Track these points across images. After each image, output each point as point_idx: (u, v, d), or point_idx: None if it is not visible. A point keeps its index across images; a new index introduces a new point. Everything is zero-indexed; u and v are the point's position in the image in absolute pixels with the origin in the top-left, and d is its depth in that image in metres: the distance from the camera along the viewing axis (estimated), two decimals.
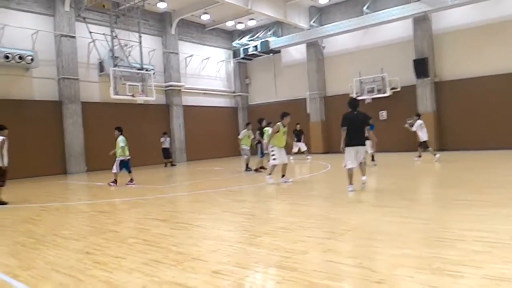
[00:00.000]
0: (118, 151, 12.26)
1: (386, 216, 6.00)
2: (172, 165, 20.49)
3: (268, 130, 13.48)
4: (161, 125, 22.64)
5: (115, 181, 12.16)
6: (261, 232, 5.39)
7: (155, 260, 4.29)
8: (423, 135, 14.75)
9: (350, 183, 8.58)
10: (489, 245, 4.18)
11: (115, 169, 12.22)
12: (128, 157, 12.43)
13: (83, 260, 4.46)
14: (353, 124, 8.83)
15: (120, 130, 12.53)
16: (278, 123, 10.82)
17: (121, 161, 12.25)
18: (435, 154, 14.45)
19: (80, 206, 8.97)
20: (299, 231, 5.30)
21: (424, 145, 14.79)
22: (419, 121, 14.84)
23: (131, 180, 12.43)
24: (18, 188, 13.15)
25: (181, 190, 11.38)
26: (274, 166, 10.92)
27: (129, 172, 12.50)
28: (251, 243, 4.87)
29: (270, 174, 10.90)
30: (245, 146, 14.95)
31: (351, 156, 8.69)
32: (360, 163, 8.93)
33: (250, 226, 5.92)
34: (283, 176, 10.86)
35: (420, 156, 14.98)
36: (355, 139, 8.74)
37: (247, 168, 14.74)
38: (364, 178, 9.06)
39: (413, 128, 14.89)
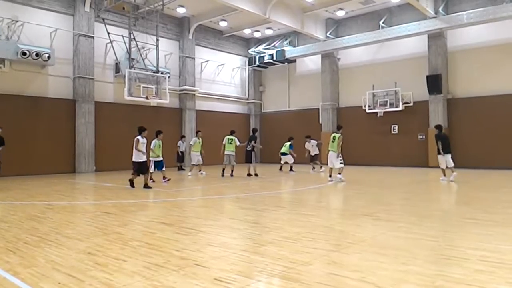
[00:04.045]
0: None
1: (394, 231, 5.91)
2: (181, 169, 20.46)
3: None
4: (173, 129, 22.73)
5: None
6: (266, 241, 5.33)
7: (157, 264, 4.25)
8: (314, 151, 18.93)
9: (444, 175, 13.48)
10: (493, 265, 4.13)
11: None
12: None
13: (85, 260, 4.43)
14: (442, 140, 13.45)
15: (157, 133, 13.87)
16: (339, 135, 13.66)
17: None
18: (321, 167, 18.38)
19: (86, 206, 8.99)
20: (304, 241, 5.23)
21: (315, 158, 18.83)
22: (314, 141, 18.93)
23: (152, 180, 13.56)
24: (26, 185, 13.29)
25: (189, 194, 11.36)
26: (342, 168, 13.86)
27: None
28: (256, 251, 4.81)
29: (340, 173, 13.69)
30: (231, 152, 16.10)
31: (441, 160, 13.49)
32: (446, 167, 13.44)
33: (255, 235, 5.86)
34: (330, 176, 13.71)
35: (314, 168, 18.65)
36: (444, 150, 13.35)
37: (232, 175, 16.10)
38: (454, 174, 13.24)
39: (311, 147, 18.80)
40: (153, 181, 13.41)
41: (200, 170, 17.06)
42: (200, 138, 17.00)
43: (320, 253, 4.66)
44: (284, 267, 4.11)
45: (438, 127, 13.93)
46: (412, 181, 14.34)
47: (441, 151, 13.37)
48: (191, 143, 17.14)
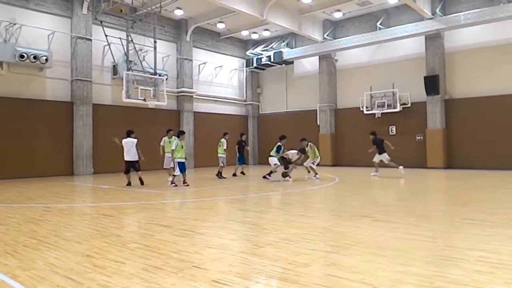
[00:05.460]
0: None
1: (392, 231, 5.91)
2: None
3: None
4: None
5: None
6: (264, 242, 5.33)
7: (155, 266, 4.25)
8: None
9: (376, 171, 16.42)
10: (492, 265, 4.13)
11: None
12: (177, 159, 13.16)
13: (83, 263, 4.43)
14: (378, 143, 16.30)
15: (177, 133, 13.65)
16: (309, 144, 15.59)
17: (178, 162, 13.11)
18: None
19: (84, 209, 8.98)
20: (302, 243, 5.23)
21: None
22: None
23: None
24: (24, 187, 13.27)
25: (187, 196, 11.35)
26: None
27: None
28: (254, 253, 4.81)
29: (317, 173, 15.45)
30: (220, 154, 16.42)
31: (378, 158, 16.16)
32: (387, 164, 16.00)
33: (254, 236, 5.86)
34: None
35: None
36: (380, 151, 16.19)
37: (221, 176, 16.09)
38: (401, 167, 15.59)
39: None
40: (187, 184, 13.01)
41: (170, 175, 14.20)
42: (173, 138, 14.14)
43: (318, 255, 4.66)
44: (283, 268, 4.11)
45: (373, 133, 16.55)
46: (409, 182, 14.34)
47: (380, 152, 16.13)
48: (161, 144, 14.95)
